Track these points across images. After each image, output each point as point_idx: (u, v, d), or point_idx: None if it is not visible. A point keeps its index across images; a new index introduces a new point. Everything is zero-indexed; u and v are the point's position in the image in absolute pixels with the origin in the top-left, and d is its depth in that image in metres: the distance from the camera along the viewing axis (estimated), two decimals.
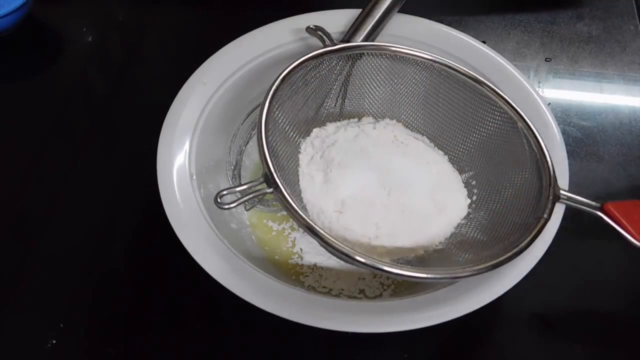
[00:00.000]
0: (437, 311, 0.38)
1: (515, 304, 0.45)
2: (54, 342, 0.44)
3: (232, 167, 0.49)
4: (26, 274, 0.47)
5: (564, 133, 0.48)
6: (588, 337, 0.45)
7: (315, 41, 0.48)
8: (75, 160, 0.54)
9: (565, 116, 0.57)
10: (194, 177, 0.44)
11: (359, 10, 0.50)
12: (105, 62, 0.63)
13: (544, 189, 0.40)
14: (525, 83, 0.48)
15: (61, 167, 0.54)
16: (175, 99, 0.47)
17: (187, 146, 0.45)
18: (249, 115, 0.50)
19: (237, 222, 0.49)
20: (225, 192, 0.36)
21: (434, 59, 0.45)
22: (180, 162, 0.44)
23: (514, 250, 0.36)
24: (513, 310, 0.45)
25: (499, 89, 0.45)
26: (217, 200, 0.36)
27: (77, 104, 0.59)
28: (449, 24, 0.52)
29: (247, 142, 0.50)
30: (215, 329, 0.45)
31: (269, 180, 0.36)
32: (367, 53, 0.46)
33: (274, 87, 0.40)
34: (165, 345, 0.44)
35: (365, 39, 0.48)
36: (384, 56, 0.46)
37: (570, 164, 0.44)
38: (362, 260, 0.34)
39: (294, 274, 0.47)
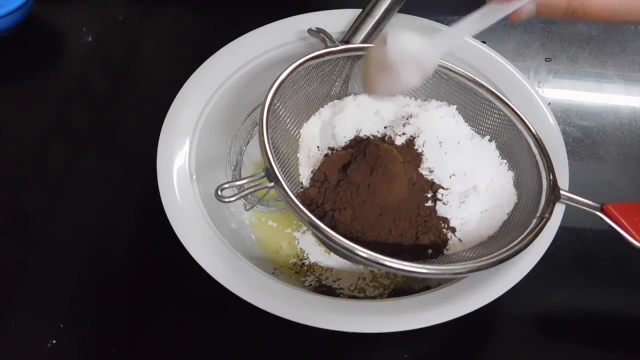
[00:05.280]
0: (437, 311, 0.38)
1: (515, 304, 0.45)
2: (54, 342, 0.44)
3: (233, 168, 0.49)
4: (26, 274, 0.47)
5: (564, 133, 0.48)
6: (588, 337, 0.45)
7: (315, 41, 0.48)
8: (75, 160, 0.54)
9: (565, 116, 0.57)
10: (194, 177, 0.44)
11: (359, 10, 0.50)
12: (105, 62, 0.63)
13: (544, 189, 0.40)
14: (525, 83, 0.49)
15: (61, 167, 0.54)
16: (175, 99, 0.47)
17: (187, 146, 0.45)
18: (249, 115, 0.50)
19: (237, 222, 0.49)
20: (226, 186, 0.36)
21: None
22: (180, 162, 0.44)
23: (514, 249, 0.36)
24: (513, 310, 0.45)
25: (498, 90, 0.45)
26: (218, 194, 0.36)
27: (77, 104, 0.59)
28: (449, 24, 0.51)
29: (248, 143, 0.50)
30: (215, 329, 0.45)
31: (269, 174, 0.36)
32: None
33: (276, 84, 0.40)
34: (165, 345, 0.44)
35: (366, 39, 0.48)
36: None
37: (570, 164, 0.44)
38: (364, 254, 0.34)
39: (294, 274, 0.47)
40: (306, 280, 0.46)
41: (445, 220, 0.41)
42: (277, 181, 0.36)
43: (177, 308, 0.46)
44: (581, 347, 0.44)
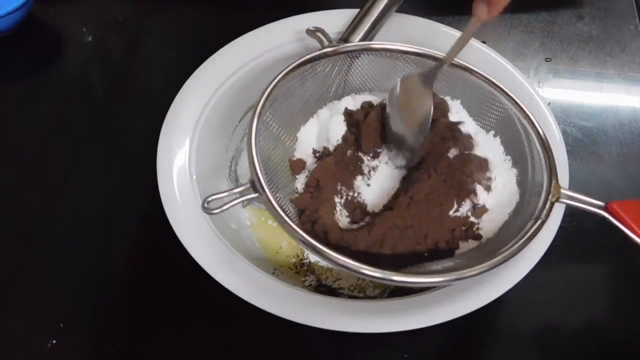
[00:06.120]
0: (437, 311, 0.38)
1: (515, 304, 0.45)
2: (54, 342, 0.44)
3: (230, 165, 0.49)
4: (26, 274, 0.47)
5: (564, 133, 0.48)
6: (588, 338, 0.45)
7: (314, 42, 0.48)
8: (75, 160, 0.54)
9: (565, 116, 0.57)
10: (194, 177, 0.44)
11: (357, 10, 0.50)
12: (105, 62, 0.63)
13: (545, 187, 0.39)
14: (525, 83, 0.49)
15: (61, 167, 0.54)
16: (175, 99, 0.47)
17: (187, 146, 0.45)
18: (245, 113, 0.50)
19: (237, 222, 0.49)
20: (212, 198, 0.36)
21: (429, 54, 0.45)
22: (180, 162, 0.44)
23: (511, 250, 0.36)
24: (513, 310, 0.45)
25: (501, 86, 0.45)
26: (205, 206, 0.35)
27: (77, 104, 0.59)
28: (449, 24, 0.52)
29: (244, 140, 0.50)
30: (215, 329, 0.45)
31: (255, 186, 0.36)
32: (365, 52, 0.46)
33: (265, 95, 0.40)
34: (165, 346, 0.44)
35: (364, 38, 0.48)
36: (381, 55, 0.46)
37: (570, 164, 0.44)
38: (369, 272, 0.34)
39: (294, 274, 0.47)
40: (306, 280, 0.46)
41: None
42: (263, 192, 0.36)
43: (177, 308, 0.46)
44: (581, 347, 0.44)
